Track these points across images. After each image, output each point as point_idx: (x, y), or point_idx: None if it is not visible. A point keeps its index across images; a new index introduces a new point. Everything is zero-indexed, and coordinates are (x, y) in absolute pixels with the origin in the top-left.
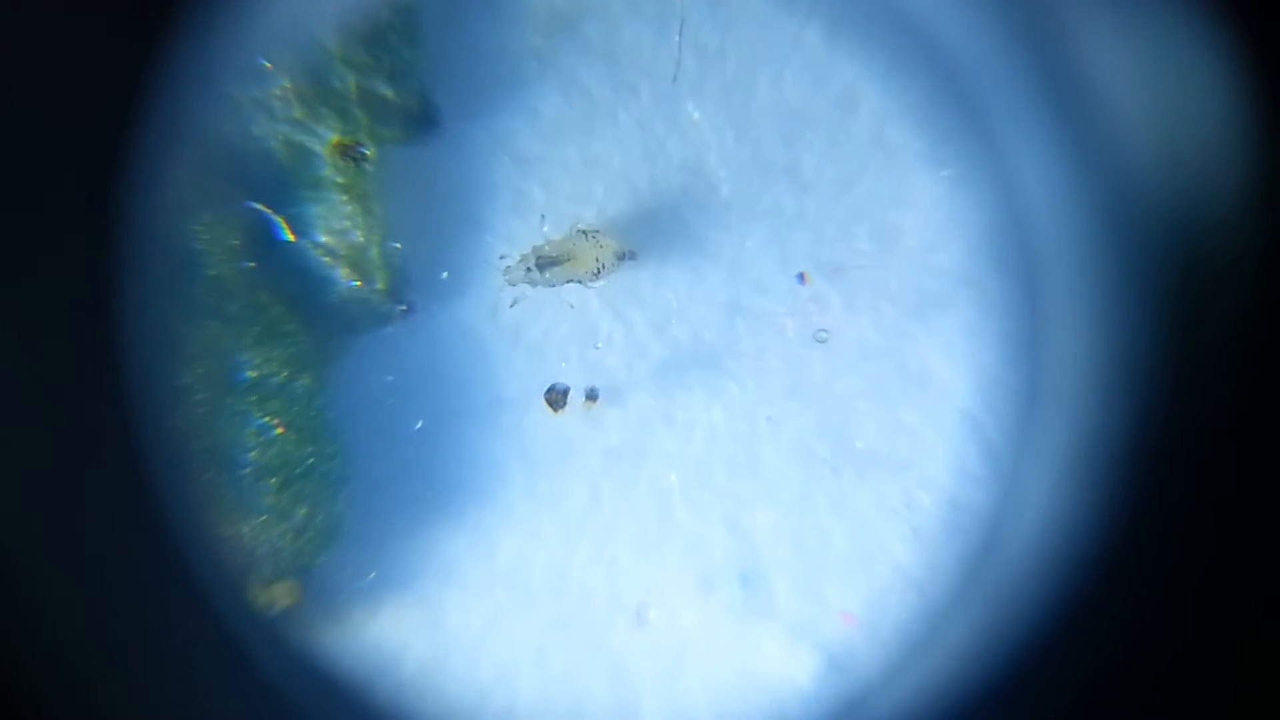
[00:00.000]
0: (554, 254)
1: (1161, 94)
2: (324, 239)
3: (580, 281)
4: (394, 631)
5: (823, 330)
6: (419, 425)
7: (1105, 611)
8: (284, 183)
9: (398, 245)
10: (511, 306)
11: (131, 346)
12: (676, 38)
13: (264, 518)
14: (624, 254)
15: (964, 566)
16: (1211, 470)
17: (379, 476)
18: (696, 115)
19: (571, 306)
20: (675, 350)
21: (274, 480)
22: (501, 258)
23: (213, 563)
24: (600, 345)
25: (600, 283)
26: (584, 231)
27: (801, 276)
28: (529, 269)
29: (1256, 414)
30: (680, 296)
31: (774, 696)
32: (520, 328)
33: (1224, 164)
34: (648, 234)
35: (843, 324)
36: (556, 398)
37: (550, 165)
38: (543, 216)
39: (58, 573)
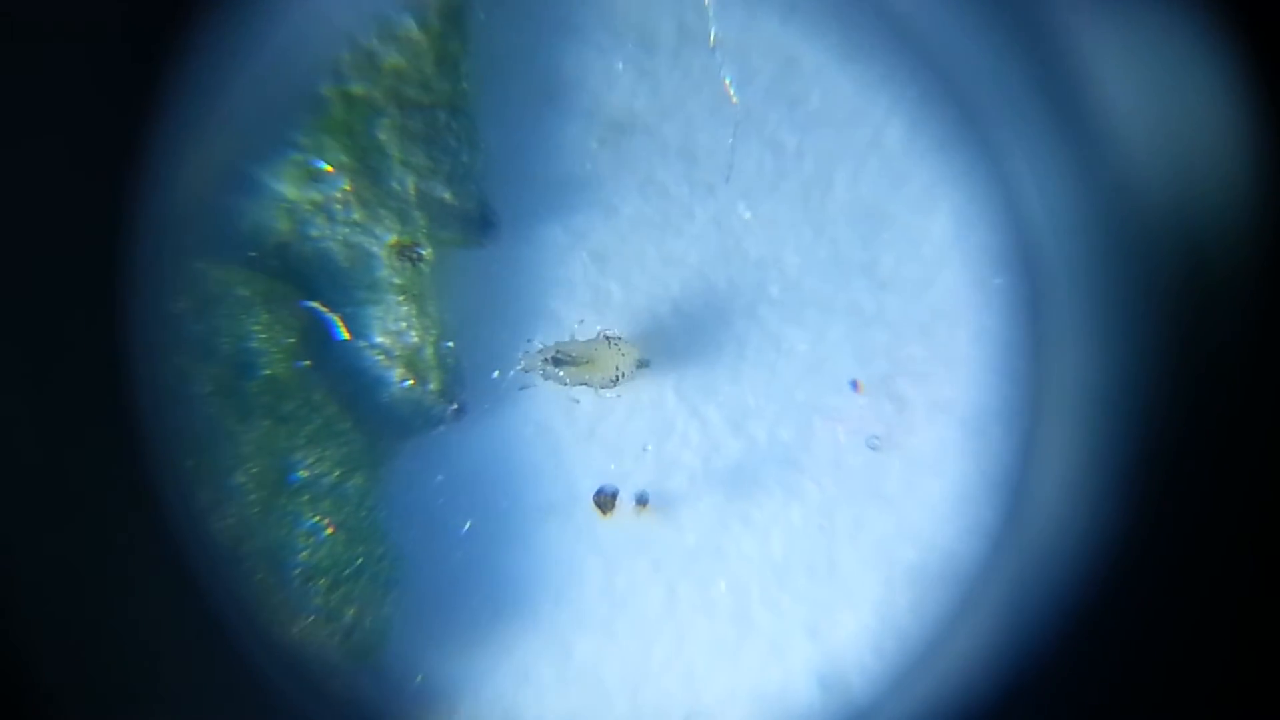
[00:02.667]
0: (573, 354)
1: (1165, 107)
2: (380, 339)
3: (593, 386)
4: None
5: (875, 437)
6: (467, 526)
7: (1110, 621)
8: (341, 283)
9: (450, 344)
10: (521, 390)
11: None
12: (730, 140)
13: (313, 619)
14: (644, 363)
15: (969, 579)
16: (1215, 480)
17: (429, 578)
18: (771, 214)
19: (577, 402)
20: (752, 448)
21: (323, 581)
22: (528, 341)
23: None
24: (649, 448)
25: (614, 392)
26: (609, 338)
27: (855, 384)
28: (545, 361)
29: (1259, 424)
30: (757, 394)
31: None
32: (577, 425)
33: (1226, 177)
34: (722, 329)
35: (898, 430)
36: (605, 500)
37: (627, 262)
38: (581, 321)
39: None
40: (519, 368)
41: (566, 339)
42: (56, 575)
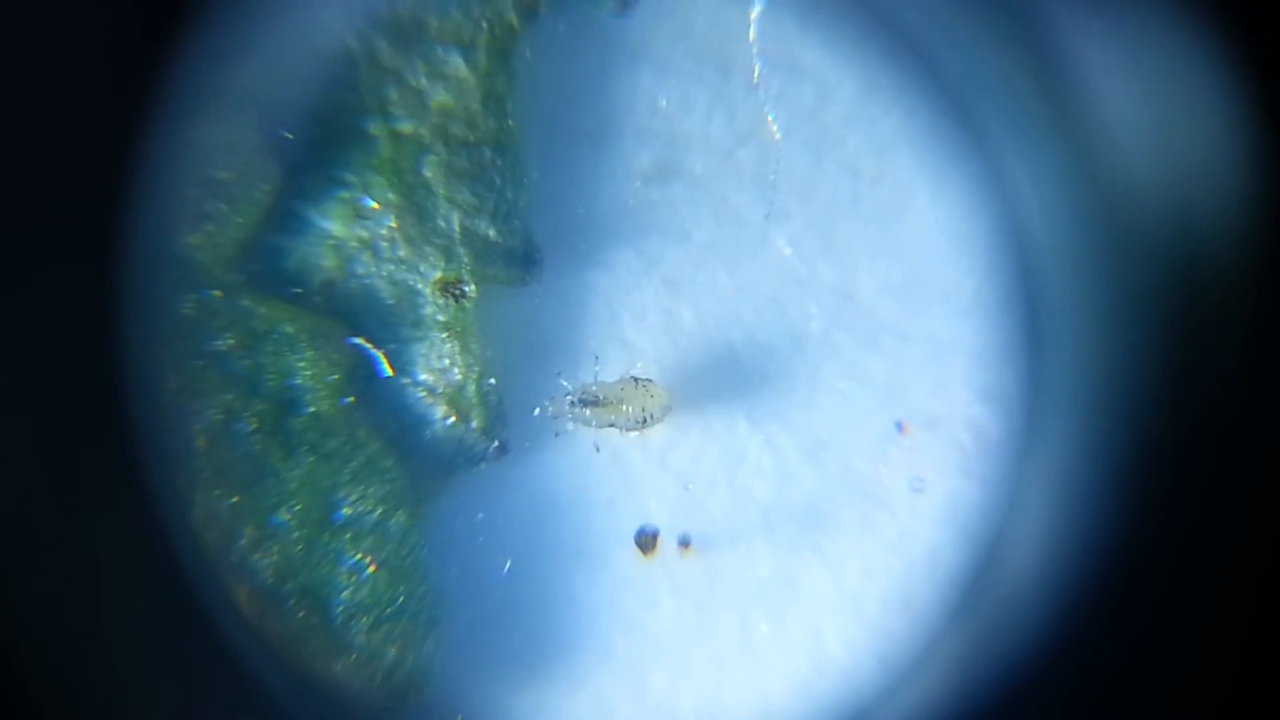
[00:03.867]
0: (601, 395)
1: (1162, 110)
2: (423, 376)
3: (620, 428)
4: None
5: (919, 479)
6: (508, 566)
7: (1102, 629)
8: (386, 320)
9: (493, 381)
10: (556, 436)
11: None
12: (772, 176)
13: (355, 657)
14: (670, 407)
15: (962, 584)
16: (1210, 486)
17: (470, 618)
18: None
19: (597, 450)
20: (825, 478)
21: (366, 619)
22: (557, 379)
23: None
24: (690, 487)
25: (639, 433)
26: (636, 379)
27: (901, 426)
28: (572, 403)
29: (1255, 430)
30: (831, 422)
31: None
32: (642, 456)
33: (1225, 183)
34: (795, 357)
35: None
36: (646, 541)
37: (698, 288)
38: (597, 358)
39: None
40: (548, 412)
41: (592, 381)
42: (60, 601)
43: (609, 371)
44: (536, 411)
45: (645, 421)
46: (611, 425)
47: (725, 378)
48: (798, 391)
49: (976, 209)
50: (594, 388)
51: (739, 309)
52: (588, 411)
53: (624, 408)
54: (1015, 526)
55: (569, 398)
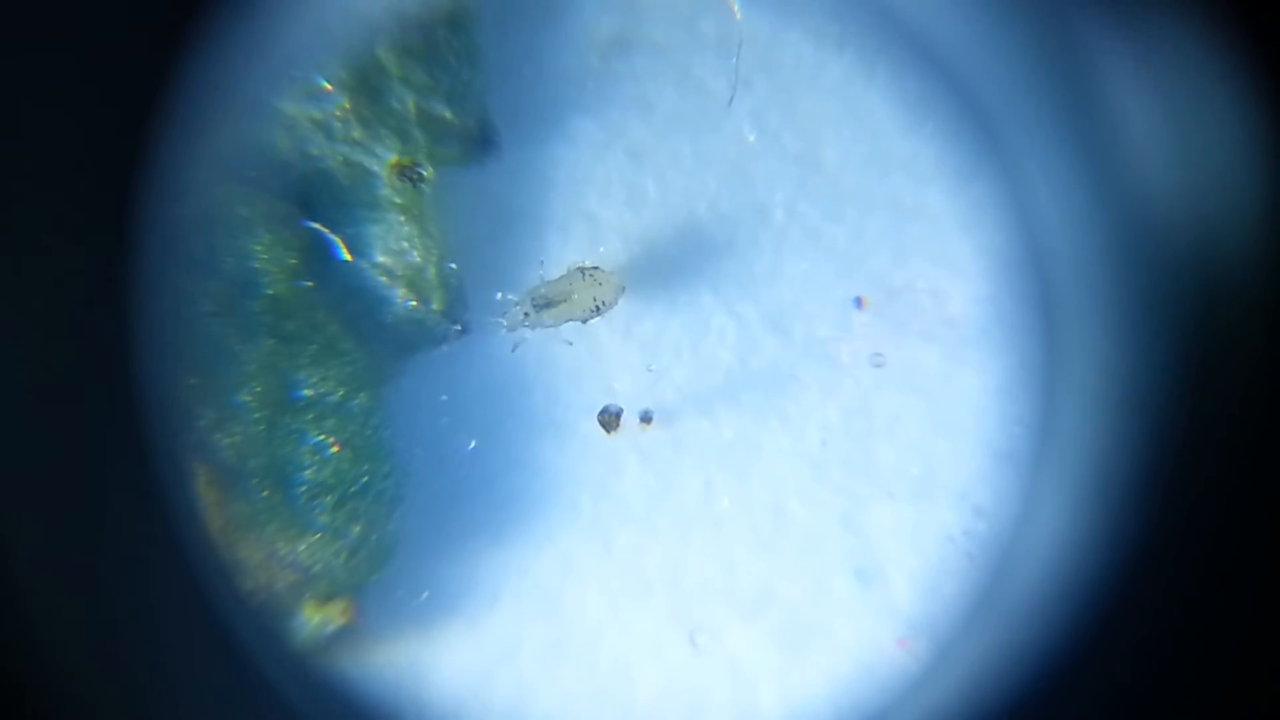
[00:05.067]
0: (550, 295)
1: (1182, 124)
2: (382, 259)
3: (581, 320)
4: (510, 625)
5: (879, 355)
6: (472, 445)
7: (1119, 639)
8: (342, 203)
9: (453, 266)
10: (513, 351)
11: (147, 355)
12: (734, 60)
13: (319, 536)
14: (621, 289)
15: (976, 592)
16: (1227, 497)
17: (433, 494)
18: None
19: (570, 344)
20: (789, 345)
21: (329, 498)
22: (499, 297)
23: (232, 589)
24: (653, 368)
25: (598, 319)
26: (581, 270)
27: (859, 301)
28: (526, 313)
29: (1273, 440)
30: (796, 290)
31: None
32: (582, 346)
33: (1243, 193)
34: (759, 227)
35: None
36: (609, 419)
37: (662, 160)
38: (541, 262)
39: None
40: (503, 328)
41: (537, 284)
42: (53, 560)
43: (570, 252)
44: (500, 295)
45: (600, 309)
46: (570, 320)
47: (689, 249)
48: (762, 262)
49: (993, 214)
50: (542, 289)
51: (703, 180)
52: (542, 315)
53: (576, 300)
54: (1030, 535)
55: (519, 307)
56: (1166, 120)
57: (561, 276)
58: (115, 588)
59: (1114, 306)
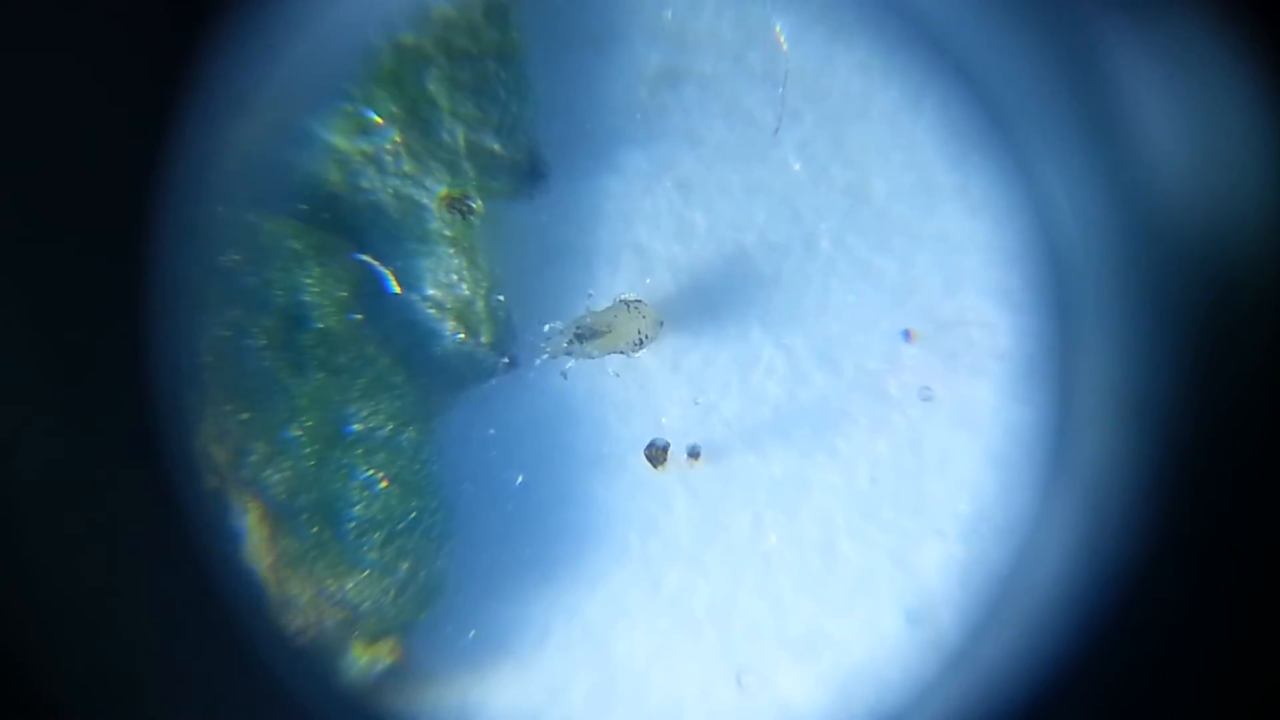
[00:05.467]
0: (594, 326)
1: (1196, 122)
2: (431, 292)
3: (623, 352)
4: (559, 665)
5: (927, 388)
6: (520, 480)
7: (1132, 637)
8: (393, 236)
9: (501, 298)
10: (564, 378)
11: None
12: (780, 90)
13: (368, 573)
14: (659, 323)
15: (990, 592)
16: (1239, 496)
17: (482, 530)
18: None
19: (616, 375)
20: (838, 379)
21: (378, 535)
22: (546, 327)
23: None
24: (700, 401)
25: (643, 352)
26: (626, 302)
27: (908, 334)
28: (569, 341)
29: None
30: (844, 323)
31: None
32: (655, 364)
33: (1256, 192)
34: (807, 259)
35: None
36: (657, 454)
37: (711, 192)
38: (590, 294)
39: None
40: (545, 355)
41: (583, 313)
42: (67, 564)
43: (620, 284)
44: (547, 328)
45: (642, 343)
46: (614, 352)
47: (738, 281)
48: (810, 294)
49: (1008, 212)
50: (587, 319)
51: (751, 212)
52: (586, 345)
53: (621, 332)
54: (1045, 533)
55: (564, 336)
56: (1186, 127)
57: (607, 308)
58: (158, 629)
59: (1131, 308)
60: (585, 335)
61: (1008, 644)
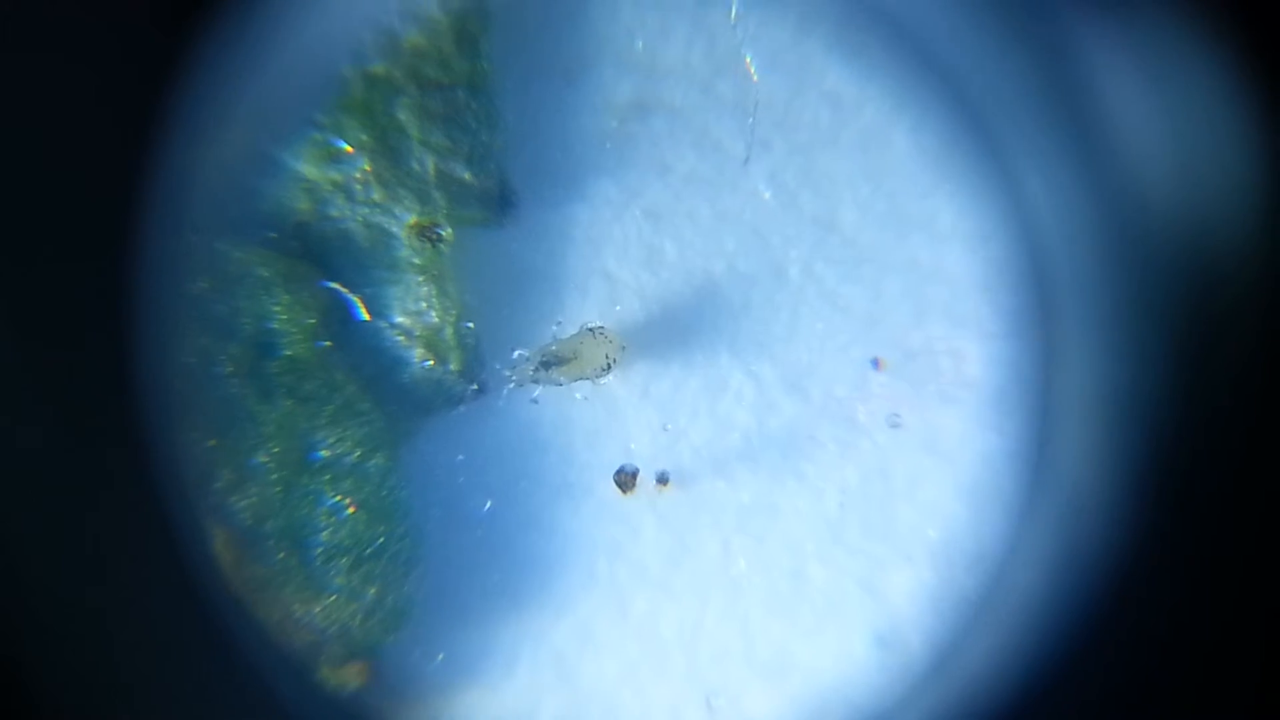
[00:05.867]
0: (560, 353)
1: (1176, 129)
2: (400, 319)
3: (590, 379)
4: (527, 689)
5: (896, 415)
6: (488, 506)
7: (1114, 645)
8: (361, 263)
9: (470, 325)
10: (535, 402)
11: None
12: (750, 120)
13: (335, 598)
14: (621, 348)
15: (972, 600)
16: (1222, 501)
17: (450, 556)
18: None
19: (584, 399)
20: (807, 406)
21: (345, 560)
22: (515, 354)
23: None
24: (669, 428)
25: (609, 378)
26: (591, 330)
27: (876, 363)
28: (536, 368)
29: (1267, 444)
30: (813, 351)
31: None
32: (599, 405)
33: (1238, 196)
34: (776, 287)
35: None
36: (625, 479)
37: (680, 220)
38: (559, 322)
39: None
40: (511, 384)
41: (549, 342)
42: (53, 570)
43: (589, 312)
44: (516, 354)
45: (609, 368)
46: (581, 379)
47: (707, 309)
48: (779, 322)
49: (989, 216)
50: (553, 347)
51: (720, 240)
52: (552, 372)
53: (587, 359)
54: (1025, 540)
55: (529, 365)
56: (1166, 135)
57: (572, 336)
58: (122, 624)
59: (1109, 313)
60: (552, 362)
61: (978, 667)
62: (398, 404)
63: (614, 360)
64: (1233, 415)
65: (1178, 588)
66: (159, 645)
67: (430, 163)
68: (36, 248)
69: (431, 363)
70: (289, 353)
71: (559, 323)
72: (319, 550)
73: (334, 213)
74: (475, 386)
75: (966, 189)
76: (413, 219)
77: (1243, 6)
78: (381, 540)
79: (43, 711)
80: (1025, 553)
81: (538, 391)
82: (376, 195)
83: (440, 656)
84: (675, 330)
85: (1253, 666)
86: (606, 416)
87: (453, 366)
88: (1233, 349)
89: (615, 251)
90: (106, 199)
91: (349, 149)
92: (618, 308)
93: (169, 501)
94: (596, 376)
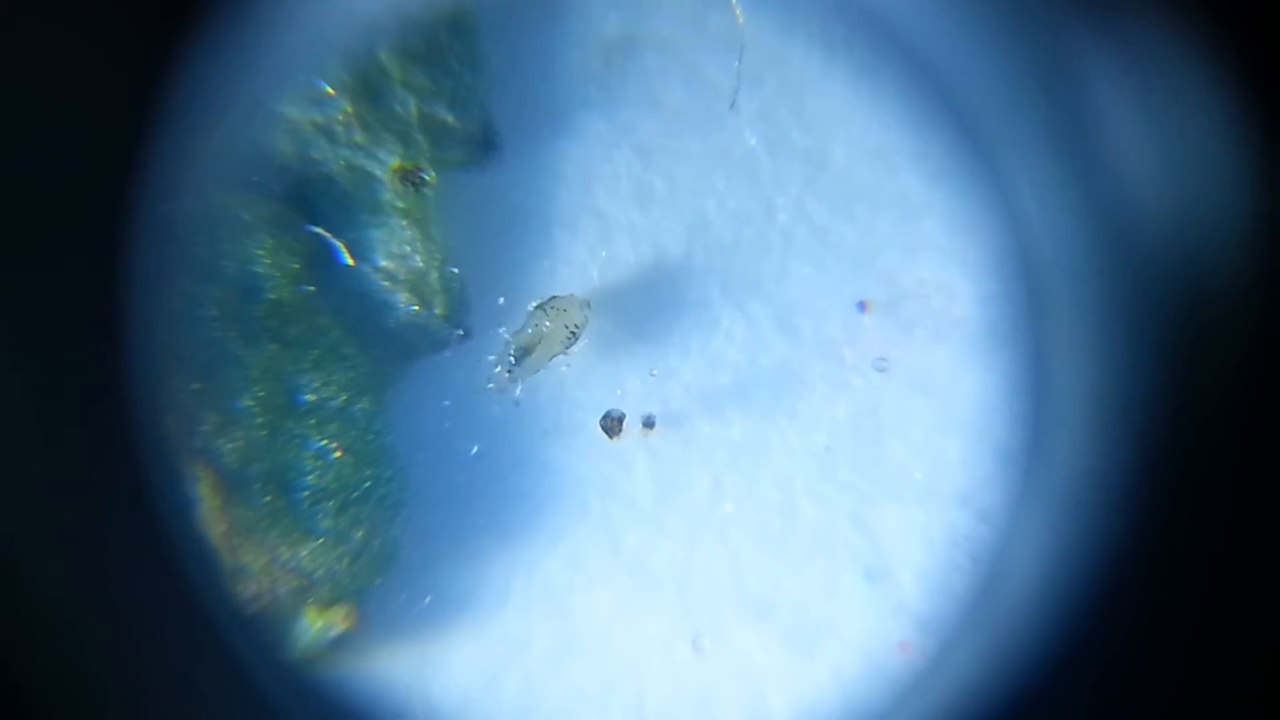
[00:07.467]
0: (522, 344)
1: (1167, 131)
2: (384, 264)
3: (562, 353)
4: (519, 622)
5: (883, 359)
6: (474, 450)
7: (1107, 647)
8: (345, 207)
9: (455, 270)
10: (516, 406)
11: (139, 363)
12: (736, 63)
13: (321, 541)
14: (586, 305)
15: (964, 601)
16: (1213, 507)
17: (437, 498)
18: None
19: (566, 368)
20: (798, 343)
21: (332, 503)
22: (488, 360)
23: (226, 596)
24: (655, 373)
25: (580, 344)
26: (541, 307)
27: (863, 305)
28: (508, 370)
29: (1258, 451)
30: (804, 289)
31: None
32: (590, 346)
33: (1229, 207)
34: (767, 225)
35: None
36: (612, 424)
37: (671, 157)
38: (502, 299)
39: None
40: (490, 390)
41: (507, 337)
42: (39, 558)
43: (579, 250)
44: (502, 300)
45: (575, 335)
46: (554, 357)
47: (698, 247)
48: (770, 260)
49: (981, 225)
50: (512, 342)
51: (711, 178)
52: (524, 365)
53: (550, 338)
54: (1019, 543)
55: (500, 368)
56: (1152, 128)
57: (527, 320)
58: (110, 597)
59: (1102, 309)
60: (519, 356)
61: (971, 669)
62: (383, 349)
63: (578, 326)
64: (1227, 418)
65: (1174, 587)
66: (129, 615)
67: (412, 104)
68: (30, 201)
69: (417, 307)
70: (273, 296)
71: (502, 300)
72: (305, 494)
73: (316, 155)
74: (461, 331)
75: (959, 201)
76: (395, 162)
77: (1237, 17)
78: (368, 484)
79: (12, 674)
80: (1018, 554)
81: (518, 391)
82: (359, 137)
83: (428, 598)
84: (666, 268)
85: (1252, 667)
86: (597, 357)
87: (438, 311)
88: (1227, 354)
89: (605, 188)
90: (102, 153)
91: (330, 90)
92: (502, 299)
93: (150, 469)
94: (565, 348)
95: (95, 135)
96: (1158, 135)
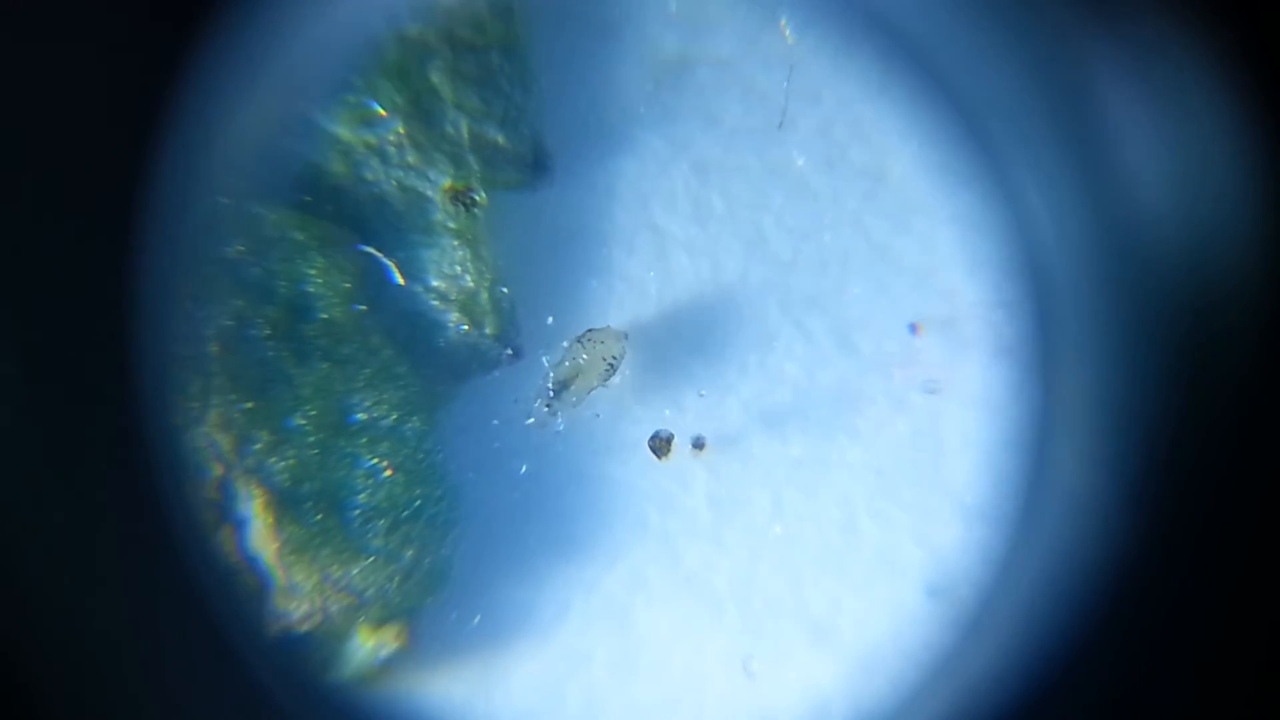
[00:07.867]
0: (561, 378)
1: (1178, 145)
2: (435, 283)
3: (601, 385)
4: (580, 636)
5: (933, 380)
6: (524, 469)
7: (1113, 649)
8: (397, 227)
9: (505, 290)
10: (559, 430)
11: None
12: (785, 83)
13: (372, 560)
14: (623, 336)
15: (971, 605)
16: (1218, 511)
17: (488, 517)
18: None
19: (597, 416)
20: (857, 360)
21: (383, 522)
22: (523, 400)
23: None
24: (703, 394)
25: (618, 378)
26: (579, 340)
27: (914, 328)
28: (548, 404)
29: (1262, 456)
30: (863, 305)
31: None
32: (647, 352)
33: (1236, 213)
34: (826, 240)
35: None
36: (660, 444)
37: (728, 173)
38: (550, 319)
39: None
40: (530, 425)
41: (547, 368)
42: (49, 563)
43: (636, 266)
44: (551, 320)
45: (613, 367)
46: (592, 390)
47: (755, 263)
48: (828, 276)
49: (990, 229)
50: (554, 373)
51: (768, 194)
52: (564, 397)
53: (589, 370)
54: (1028, 546)
55: (540, 401)
56: (1164, 138)
57: (565, 353)
58: (129, 621)
59: (1112, 318)
60: (558, 389)
61: (977, 673)
62: (434, 368)
63: (616, 358)
64: (1230, 425)
65: (1176, 593)
66: (150, 632)
67: (464, 126)
68: (49, 209)
69: (467, 327)
70: (325, 316)
71: (551, 319)
72: (357, 512)
73: (369, 176)
74: (510, 351)
75: (965, 204)
76: (447, 183)
77: (1245, 23)
78: (419, 503)
79: (34, 689)
80: (1023, 563)
81: (559, 423)
82: (411, 158)
83: (478, 617)
84: (723, 285)
85: (1251, 668)
86: (654, 374)
87: (488, 331)
88: (1231, 359)
89: (662, 205)
90: (124, 161)
91: (383, 112)
92: (550, 319)
93: (167, 480)
94: (603, 381)
95: (104, 142)
96: (1170, 144)
